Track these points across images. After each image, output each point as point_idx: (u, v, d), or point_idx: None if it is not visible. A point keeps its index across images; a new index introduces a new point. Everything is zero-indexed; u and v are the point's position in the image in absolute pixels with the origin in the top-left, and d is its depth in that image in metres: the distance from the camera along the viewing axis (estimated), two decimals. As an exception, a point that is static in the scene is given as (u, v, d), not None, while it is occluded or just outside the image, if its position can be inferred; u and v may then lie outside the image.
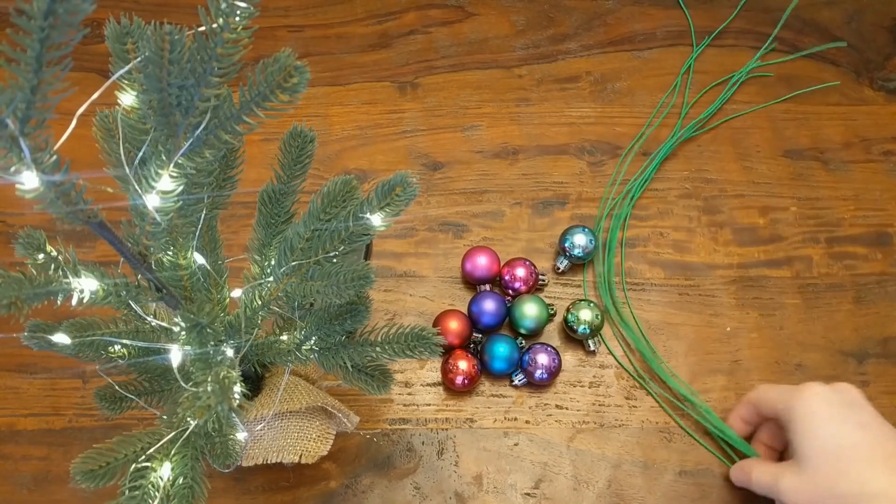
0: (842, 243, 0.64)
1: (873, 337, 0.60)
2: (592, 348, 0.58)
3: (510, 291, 0.60)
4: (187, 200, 0.30)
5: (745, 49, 0.73)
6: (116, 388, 0.43)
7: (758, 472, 0.50)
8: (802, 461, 0.46)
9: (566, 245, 0.61)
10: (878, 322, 0.61)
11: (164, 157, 0.27)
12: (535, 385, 0.58)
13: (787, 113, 0.70)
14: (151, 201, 0.28)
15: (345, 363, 0.42)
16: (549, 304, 0.60)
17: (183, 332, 0.37)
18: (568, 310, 0.58)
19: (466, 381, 0.56)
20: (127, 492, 0.35)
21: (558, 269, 0.62)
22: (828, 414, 0.47)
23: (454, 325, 0.57)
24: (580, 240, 0.60)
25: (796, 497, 0.46)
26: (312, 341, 0.42)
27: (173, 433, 0.36)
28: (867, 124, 0.69)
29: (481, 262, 0.60)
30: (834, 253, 0.64)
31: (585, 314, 0.57)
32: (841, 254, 0.64)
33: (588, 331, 0.57)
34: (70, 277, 0.31)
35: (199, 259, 0.36)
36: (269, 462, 0.46)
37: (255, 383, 0.48)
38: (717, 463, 0.55)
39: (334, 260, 0.37)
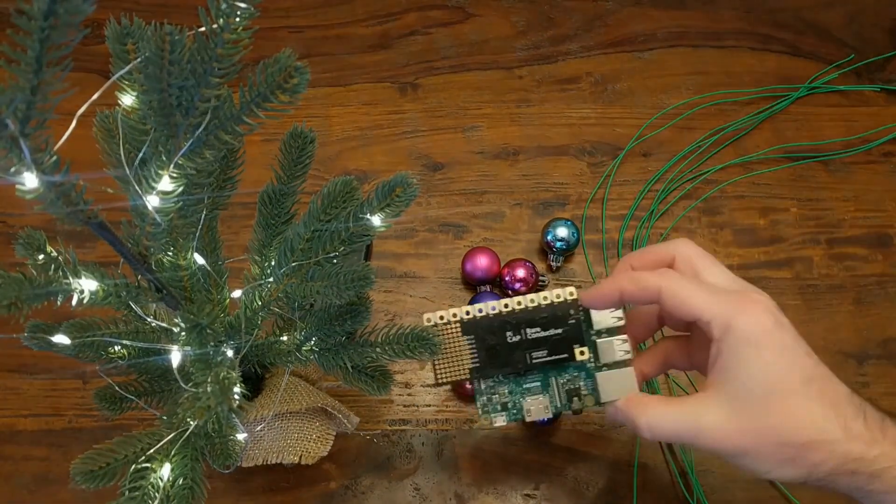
0: (842, 244, 0.64)
1: (874, 338, 0.60)
2: None
3: (510, 292, 0.60)
4: (187, 201, 0.30)
5: (746, 50, 0.73)
6: (116, 388, 0.43)
7: (664, 410, 0.38)
8: (737, 396, 0.36)
9: (549, 239, 0.61)
10: (879, 323, 0.61)
11: (164, 158, 0.27)
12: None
13: (787, 114, 0.70)
14: (151, 202, 0.28)
15: (345, 364, 0.42)
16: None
17: (183, 333, 0.37)
18: None
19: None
20: (127, 492, 0.35)
21: (552, 267, 0.62)
22: (778, 341, 0.36)
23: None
24: (562, 232, 0.61)
25: (724, 440, 0.36)
26: (312, 342, 0.42)
27: (173, 434, 0.36)
28: (867, 125, 0.69)
29: (481, 263, 0.60)
30: (834, 254, 0.64)
31: None
32: (841, 255, 0.64)
33: None
34: (70, 278, 0.31)
35: (200, 260, 0.36)
36: (269, 463, 0.46)
37: (255, 384, 0.48)
38: (717, 463, 0.55)
39: (334, 261, 0.37)
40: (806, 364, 0.37)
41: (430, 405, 0.58)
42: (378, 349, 0.42)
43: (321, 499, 0.54)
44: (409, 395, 0.58)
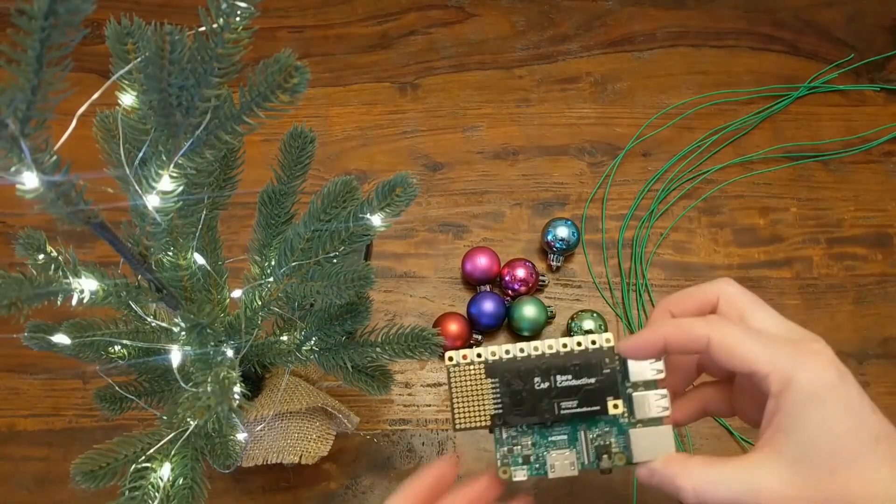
0: (842, 244, 0.64)
1: (874, 337, 0.60)
2: None
3: (510, 292, 0.60)
4: (187, 201, 0.30)
5: (746, 50, 0.73)
6: (116, 388, 0.43)
7: (713, 472, 0.35)
8: (799, 459, 0.33)
9: (549, 238, 0.61)
10: (879, 323, 0.61)
11: (164, 158, 0.27)
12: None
13: (786, 114, 0.70)
14: (152, 202, 0.28)
15: (345, 364, 0.42)
16: (549, 307, 0.60)
17: (183, 333, 0.37)
18: (572, 319, 0.58)
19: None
20: (127, 492, 0.35)
21: (552, 266, 0.62)
22: (843, 396, 0.34)
23: (453, 327, 0.57)
24: (562, 232, 0.61)
25: None
26: (313, 342, 0.42)
27: (173, 434, 0.36)
28: (867, 125, 0.69)
29: (481, 263, 0.60)
30: (834, 254, 0.64)
31: (588, 325, 0.57)
32: (841, 254, 0.64)
33: None
34: (70, 278, 0.31)
35: (200, 259, 0.36)
36: (269, 463, 0.46)
37: (255, 384, 0.48)
38: (717, 464, 0.55)
39: (334, 260, 0.37)
40: (873, 422, 0.34)
41: (430, 405, 0.58)
42: (378, 349, 0.42)
43: (321, 499, 0.54)
44: (409, 394, 0.58)
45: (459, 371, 0.39)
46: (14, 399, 0.57)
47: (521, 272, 0.59)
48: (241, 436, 0.43)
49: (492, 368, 0.39)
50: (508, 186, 0.66)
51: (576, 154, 0.68)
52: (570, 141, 0.68)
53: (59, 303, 0.31)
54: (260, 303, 0.39)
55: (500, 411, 0.39)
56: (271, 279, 0.38)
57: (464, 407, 0.39)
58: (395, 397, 0.58)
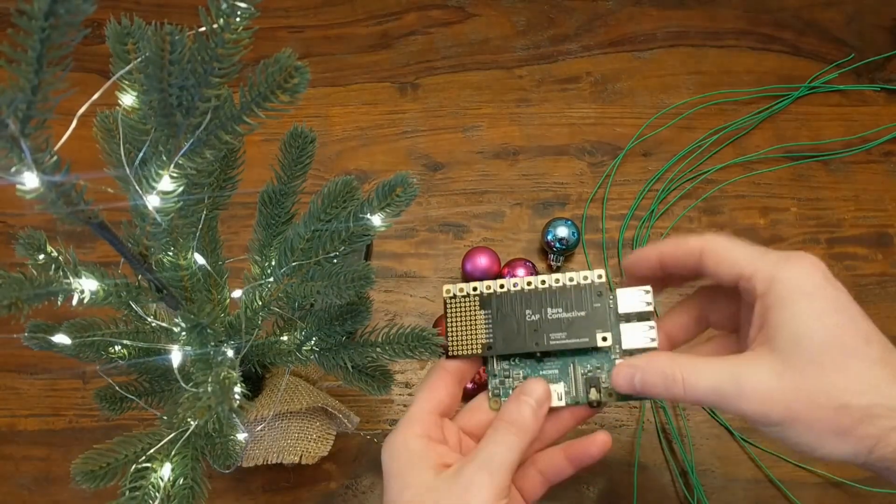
0: (842, 244, 0.64)
1: (874, 337, 0.60)
2: None
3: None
4: (188, 201, 0.30)
5: (746, 50, 0.73)
6: (117, 388, 0.43)
7: (701, 362, 0.34)
8: (787, 352, 0.32)
9: (549, 238, 0.61)
10: (879, 323, 0.60)
11: (164, 158, 0.27)
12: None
13: (787, 114, 0.70)
14: (152, 202, 0.28)
15: (345, 364, 0.42)
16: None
17: (183, 333, 0.37)
18: None
19: (475, 386, 0.56)
20: (127, 492, 0.35)
21: (552, 266, 0.62)
22: (831, 295, 0.33)
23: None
24: (562, 232, 0.61)
25: (772, 402, 0.31)
26: (313, 342, 0.42)
27: (174, 434, 0.36)
28: (867, 125, 0.69)
29: (481, 263, 0.60)
30: (834, 254, 0.64)
31: None
32: (841, 254, 0.64)
33: None
34: (70, 278, 0.31)
35: (200, 259, 0.36)
36: (269, 463, 0.46)
37: (255, 384, 0.48)
38: (717, 463, 0.55)
39: (335, 260, 0.37)
40: (865, 325, 0.33)
41: (430, 405, 0.57)
42: (378, 349, 0.42)
43: (321, 499, 0.54)
44: (409, 394, 0.58)
45: (455, 303, 0.41)
46: (14, 399, 0.57)
47: (521, 272, 0.59)
48: (241, 436, 0.43)
49: (485, 300, 0.41)
50: (508, 186, 0.66)
51: (576, 154, 0.68)
52: (570, 141, 0.68)
53: (59, 303, 0.31)
54: (260, 303, 0.39)
55: (491, 341, 0.40)
56: (271, 279, 0.38)
57: (457, 337, 0.41)
58: (395, 397, 0.58)
